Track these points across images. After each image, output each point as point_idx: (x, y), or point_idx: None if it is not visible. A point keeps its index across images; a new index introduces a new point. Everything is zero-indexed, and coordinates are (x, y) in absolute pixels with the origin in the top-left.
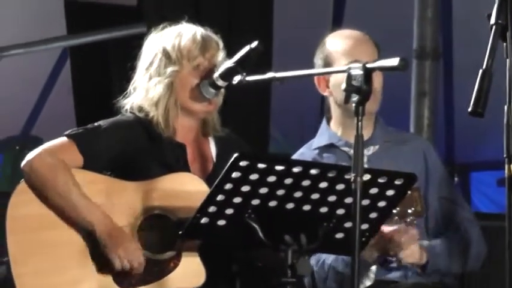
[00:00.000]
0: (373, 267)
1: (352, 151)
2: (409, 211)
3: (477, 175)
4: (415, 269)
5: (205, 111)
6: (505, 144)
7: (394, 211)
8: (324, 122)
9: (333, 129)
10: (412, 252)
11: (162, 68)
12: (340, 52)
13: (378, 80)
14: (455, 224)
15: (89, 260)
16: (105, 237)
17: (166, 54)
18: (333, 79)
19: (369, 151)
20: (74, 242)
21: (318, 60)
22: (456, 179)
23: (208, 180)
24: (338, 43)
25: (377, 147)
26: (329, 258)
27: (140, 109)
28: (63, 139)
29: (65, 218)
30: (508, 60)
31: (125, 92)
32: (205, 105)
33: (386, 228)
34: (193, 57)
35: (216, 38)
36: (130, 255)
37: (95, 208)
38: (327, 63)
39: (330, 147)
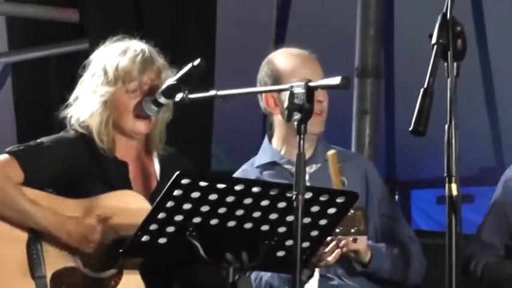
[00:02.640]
0: (317, 280)
1: (294, 169)
2: (352, 230)
3: (417, 193)
4: (356, 267)
5: (137, 132)
6: (445, 163)
7: (337, 230)
8: (266, 139)
9: (275, 147)
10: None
11: (99, 85)
12: (291, 71)
13: (324, 103)
14: (396, 241)
15: (28, 277)
16: (66, 238)
17: (105, 72)
18: (283, 97)
19: (311, 169)
20: (15, 258)
21: (264, 77)
22: (397, 196)
23: (152, 198)
24: (288, 61)
25: (319, 165)
26: (266, 275)
27: (80, 123)
28: (4, 156)
29: (18, 228)
30: (448, 79)
31: (66, 103)
32: (141, 125)
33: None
34: (129, 79)
35: (159, 59)
36: (92, 235)
37: (47, 212)
38: (275, 80)
39: (272, 165)
